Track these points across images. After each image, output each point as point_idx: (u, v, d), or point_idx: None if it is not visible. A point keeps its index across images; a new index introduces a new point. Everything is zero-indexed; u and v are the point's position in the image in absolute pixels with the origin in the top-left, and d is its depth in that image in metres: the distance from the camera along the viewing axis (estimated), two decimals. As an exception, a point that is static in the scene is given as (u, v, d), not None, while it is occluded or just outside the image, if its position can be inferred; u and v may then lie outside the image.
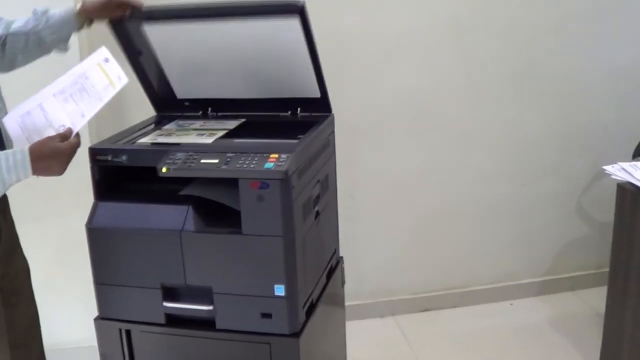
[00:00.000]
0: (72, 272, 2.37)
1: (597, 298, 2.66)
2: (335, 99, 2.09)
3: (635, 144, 2.77)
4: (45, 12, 1.83)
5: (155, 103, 2.22)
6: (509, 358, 2.72)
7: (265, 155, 1.70)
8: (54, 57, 1.90)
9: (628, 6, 2.93)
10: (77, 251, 1.99)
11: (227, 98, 2.18)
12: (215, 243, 1.75)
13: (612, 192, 2.09)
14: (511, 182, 3.06)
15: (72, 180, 2.19)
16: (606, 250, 2.18)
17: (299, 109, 2.13)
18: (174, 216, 1.77)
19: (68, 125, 1.63)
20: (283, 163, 1.67)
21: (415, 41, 2.79)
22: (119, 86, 1.75)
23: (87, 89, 1.69)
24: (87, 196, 1.84)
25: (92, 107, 1.68)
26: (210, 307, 1.79)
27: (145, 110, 2.25)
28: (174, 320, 1.84)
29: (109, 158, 1.81)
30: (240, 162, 1.69)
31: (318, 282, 2.01)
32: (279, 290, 1.73)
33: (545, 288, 3.18)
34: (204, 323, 1.81)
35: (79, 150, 1.73)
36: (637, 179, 1.99)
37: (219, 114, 2.21)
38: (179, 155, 1.75)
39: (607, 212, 2.20)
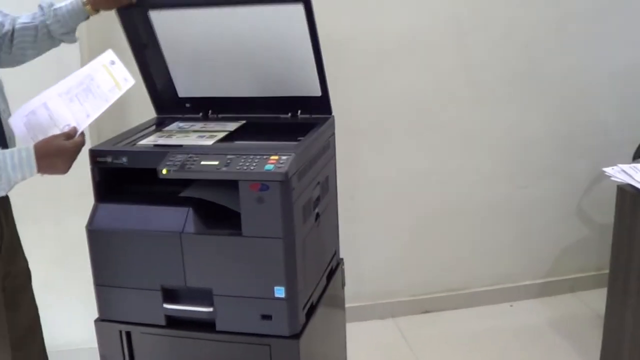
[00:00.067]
0: (72, 273, 2.37)
1: (597, 300, 2.66)
2: (335, 100, 2.09)
3: (636, 146, 2.77)
4: (51, 5, 1.85)
5: (157, 103, 2.23)
6: (509, 360, 2.72)
7: (265, 157, 1.70)
8: (54, 58, 1.91)
9: (628, 6, 2.94)
10: (77, 253, 1.99)
11: (227, 97, 2.18)
12: (216, 245, 1.75)
13: (613, 193, 2.10)
14: (511, 183, 3.06)
15: (73, 182, 2.19)
16: (606, 252, 2.18)
17: (299, 111, 2.13)
18: (174, 218, 1.77)
19: (73, 124, 1.64)
20: (283, 165, 1.67)
21: (415, 42, 2.79)
22: (125, 88, 1.75)
23: (93, 89, 1.70)
24: (87, 198, 1.85)
25: (97, 108, 1.69)
26: (211, 309, 1.79)
27: (146, 112, 2.25)
28: (174, 322, 1.84)
29: (110, 160, 1.81)
30: (241, 163, 1.69)
31: (318, 283, 2.01)
32: (279, 292, 1.73)
33: (546, 290, 3.18)
34: (204, 325, 1.81)
35: (80, 152, 1.73)
36: (637, 181, 1.99)
37: (220, 115, 2.21)
38: (179, 157, 1.75)
39: (607, 214, 2.20)
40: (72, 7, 1.85)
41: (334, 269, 2.21)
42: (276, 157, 1.69)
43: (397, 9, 2.76)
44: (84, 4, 1.85)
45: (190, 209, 1.77)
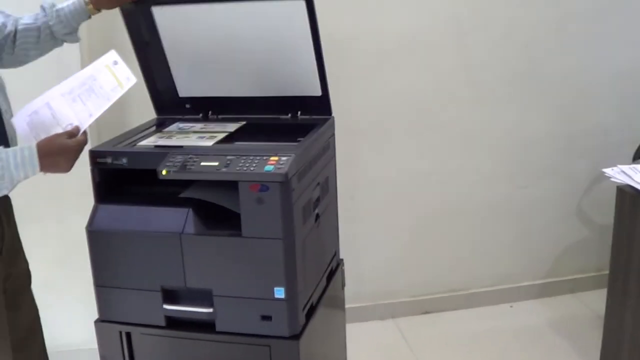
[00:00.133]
0: (72, 274, 2.37)
1: (597, 300, 2.66)
2: (335, 100, 2.09)
3: (636, 147, 2.77)
4: (53, 6, 1.86)
5: (157, 104, 2.23)
6: (509, 360, 2.72)
7: (265, 157, 1.70)
8: (55, 58, 1.92)
9: (628, 7, 2.94)
10: (77, 253, 1.99)
11: (228, 96, 2.19)
12: (215, 245, 1.75)
13: (613, 194, 2.10)
14: (511, 184, 3.06)
15: (73, 183, 2.20)
16: (606, 253, 2.17)
17: (299, 112, 2.14)
18: (174, 219, 1.77)
19: (76, 123, 1.65)
20: (283, 165, 1.67)
21: (415, 42, 2.79)
22: (127, 86, 1.76)
23: (95, 89, 1.71)
24: (87, 199, 1.85)
25: (99, 107, 1.70)
26: (210, 310, 1.79)
27: (146, 113, 2.25)
28: (174, 323, 1.84)
29: (110, 160, 1.81)
30: (240, 164, 1.69)
31: (318, 284, 2.02)
32: (279, 292, 1.73)
33: (546, 290, 3.18)
34: (204, 325, 1.82)
35: (82, 151, 1.73)
36: (636, 182, 1.99)
37: (220, 116, 2.22)
38: (179, 157, 1.75)
39: (607, 215, 2.20)
40: (74, 7, 1.86)
41: (334, 270, 2.22)
42: (276, 158, 1.70)
43: (397, 9, 2.76)
44: (86, 4, 1.86)
45: (190, 209, 1.77)
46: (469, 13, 2.82)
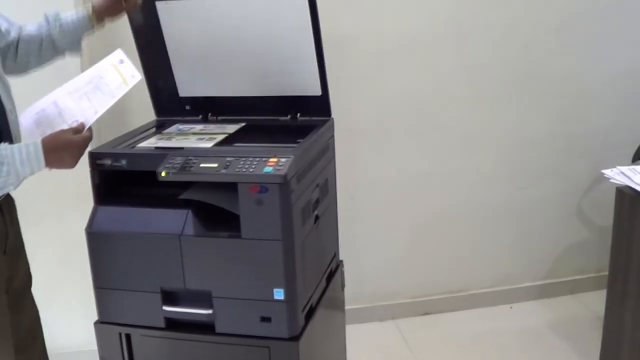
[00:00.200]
0: (72, 276, 2.38)
1: (597, 301, 2.66)
2: (335, 100, 2.09)
3: (636, 147, 2.77)
4: (57, 16, 1.87)
5: (157, 105, 2.23)
6: (509, 361, 2.72)
7: (264, 159, 1.71)
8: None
9: (628, 8, 2.94)
10: (77, 255, 2.00)
11: (228, 96, 2.19)
12: (215, 247, 1.76)
13: (612, 195, 2.09)
14: (511, 185, 3.06)
15: (72, 185, 2.20)
16: (606, 254, 2.17)
17: (298, 113, 2.14)
18: (173, 220, 1.77)
19: (81, 120, 1.67)
20: (282, 167, 1.67)
21: (415, 42, 2.79)
22: (131, 83, 1.78)
23: (101, 87, 1.73)
24: (87, 200, 1.85)
25: (104, 104, 1.71)
26: (210, 311, 1.79)
27: (146, 114, 2.25)
28: (174, 324, 1.84)
29: (109, 162, 1.82)
30: (240, 166, 1.70)
31: (318, 285, 2.02)
32: (278, 294, 1.73)
33: (545, 291, 3.18)
34: (204, 327, 1.82)
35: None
36: (636, 183, 1.99)
37: (219, 118, 2.22)
38: (179, 159, 1.75)
39: (607, 216, 2.20)
40: (77, 18, 1.87)
41: (333, 271, 2.22)
42: (275, 160, 1.70)
43: (397, 9, 2.76)
44: (90, 16, 1.87)
45: (190, 211, 1.77)
46: (469, 13, 2.82)
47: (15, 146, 1.57)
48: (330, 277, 2.17)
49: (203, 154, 1.79)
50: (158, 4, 2.04)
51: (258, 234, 1.70)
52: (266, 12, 2.00)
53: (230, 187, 1.69)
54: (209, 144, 1.91)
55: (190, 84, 2.19)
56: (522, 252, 3.15)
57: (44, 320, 1.94)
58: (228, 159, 1.73)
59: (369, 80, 2.81)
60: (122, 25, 2.09)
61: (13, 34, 1.82)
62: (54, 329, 2.02)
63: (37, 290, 1.92)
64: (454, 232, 3.06)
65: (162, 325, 1.84)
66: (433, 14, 2.79)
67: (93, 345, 1.92)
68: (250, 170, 1.68)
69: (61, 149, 1.60)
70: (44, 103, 1.66)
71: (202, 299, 1.79)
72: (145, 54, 2.11)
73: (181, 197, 1.81)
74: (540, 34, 2.89)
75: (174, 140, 1.98)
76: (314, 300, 1.95)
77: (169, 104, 2.22)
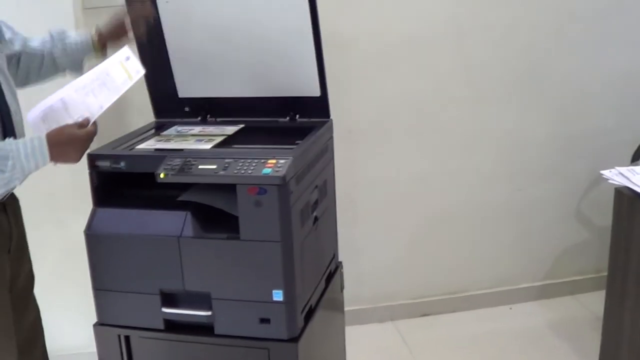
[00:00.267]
0: (71, 278, 2.37)
1: (596, 302, 2.65)
2: (335, 101, 2.09)
3: (635, 148, 2.77)
4: (61, 34, 1.90)
5: (156, 106, 2.23)
6: (509, 362, 2.72)
7: (263, 160, 1.71)
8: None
9: (628, 9, 2.94)
10: (76, 257, 1.99)
11: (227, 97, 2.19)
12: (214, 248, 1.76)
13: (612, 196, 2.09)
14: (510, 185, 3.06)
15: (71, 187, 2.20)
16: (605, 255, 2.17)
17: (297, 115, 2.14)
18: (172, 222, 1.78)
19: (86, 115, 1.67)
20: (281, 169, 1.67)
21: (415, 43, 2.79)
22: (136, 78, 1.80)
23: (107, 83, 1.74)
24: (85, 202, 1.85)
25: (109, 99, 1.73)
26: (209, 313, 1.79)
27: (145, 116, 2.25)
28: (173, 326, 1.84)
29: (108, 164, 1.82)
30: (238, 167, 1.70)
31: (317, 287, 2.02)
32: (277, 295, 1.73)
33: (545, 292, 3.18)
34: (203, 328, 1.82)
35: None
36: (634, 184, 1.99)
37: (218, 119, 2.22)
38: (177, 161, 1.76)
39: (606, 216, 2.19)
40: (80, 41, 1.90)
41: (332, 272, 2.22)
42: (274, 161, 1.70)
43: (397, 10, 2.76)
44: (92, 40, 1.90)
45: (189, 213, 1.78)
46: (469, 14, 2.82)
47: (20, 141, 1.58)
48: (330, 278, 2.17)
49: (202, 156, 1.79)
50: (159, 2, 2.04)
51: (257, 235, 1.70)
52: (266, 13, 2.00)
53: (229, 189, 1.69)
54: (208, 146, 1.91)
55: (189, 84, 2.20)
56: (522, 253, 3.15)
57: (43, 322, 1.95)
58: (227, 160, 1.73)
59: (369, 81, 2.81)
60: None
61: (17, 45, 1.85)
62: (53, 331, 2.02)
63: (36, 292, 1.93)
64: (453, 233, 3.06)
65: (162, 327, 1.84)
66: (433, 14, 2.79)
67: (92, 347, 1.92)
68: (249, 171, 1.68)
69: (65, 143, 1.61)
70: (52, 100, 1.67)
71: (201, 300, 1.79)
72: (146, 54, 2.11)
73: (180, 198, 1.81)
74: (540, 35, 2.89)
75: (172, 141, 1.99)
76: (313, 302, 1.95)
77: (168, 105, 2.22)
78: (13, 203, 1.79)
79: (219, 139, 1.98)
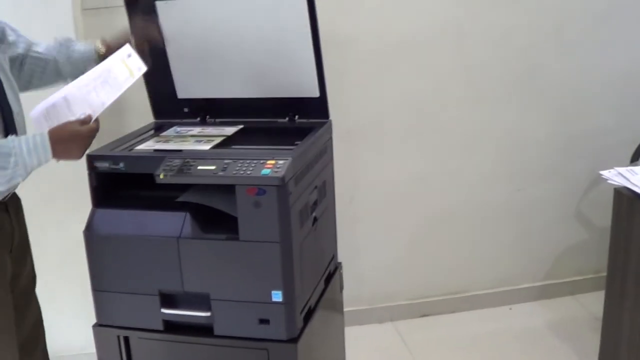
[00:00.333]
0: (70, 278, 2.38)
1: (596, 302, 2.65)
2: (335, 102, 2.09)
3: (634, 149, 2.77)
4: (67, 42, 1.91)
5: (155, 107, 2.23)
6: (509, 363, 2.72)
7: (262, 161, 1.71)
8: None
9: (627, 10, 2.94)
10: (75, 258, 2.00)
11: (226, 97, 2.19)
12: (213, 249, 1.76)
13: (611, 196, 2.10)
14: (510, 187, 3.06)
15: (70, 187, 2.20)
16: (605, 255, 2.17)
17: (296, 116, 2.14)
18: (171, 223, 1.78)
19: (89, 112, 1.68)
20: (280, 169, 1.67)
21: (414, 43, 2.79)
22: (137, 75, 1.81)
23: (110, 81, 1.75)
24: (85, 203, 1.85)
25: (111, 96, 1.73)
26: (208, 314, 1.79)
27: (144, 117, 2.25)
28: (172, 327, 1.84)
29: (107, 165, 1.82)
30: (237, 168, 1.70)
31: (316, 287, 2.02)
32: (277, 296, 1.73)
33: (545, 292, 3.18)
34: (202, 329, 1.82)
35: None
36: (633, 184, 1.99)
37: (217, 120, 2.22)
38: (177, 161, 1.76)
39: (606, 217, 2.19)
40: (85, 51, 1.91)
41: (332, 273, 2.22)
42: (273, 162, 1.70)
43: (396, 12, 2.76)
44: (97, 52, 1.91)
45: (188, 213, 1.78)
46: (469, 15, 2.82)
47: (22, 137, 1.59)
48: (329, 279, 2.17)
49: (201, 156, 1.79)
50: (158, 4, 2.04)
51: (256, 236, 1.70)
52: (265, 14, 2.00)
53: (228, 190, 1.70)
54: (207, 146, 1.91)
55: (188, 85, 2.20)
56: (522, 253, 3.15)
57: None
58: (226, 161, 1.73)
59: (369, 81, 2.81)
60: (120, 28, 2.09)
61: (20, 47, 1.85)
62: (52, 332, 2.02)
63: (36, 292, 1.92)
64: (452, 233, 3.06)
65: (161, 327, 1.84)
66: (433, 15, 2.79)
67: (92, 348, 1.92)
68: (248, 172, 1.68)
69: (67, 139, 1.62)
70: (54, 98, 1.68)
71: (200, 301, 1.79)
72: (145, 55, 2.11)
73: (179, 199, 1.81)
74: (540, 35, 2.89)
75: (172, 142, 1.99)
76: (312, 302, 1.95)
77: (167, 106, 2.22)
78: (15, 202, 1.79)
79: (218, 140, 1.98)
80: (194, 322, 1.82)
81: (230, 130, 2.08)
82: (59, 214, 2.47)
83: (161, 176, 1.73)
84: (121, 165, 1.81)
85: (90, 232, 1.82)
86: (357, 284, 2.85)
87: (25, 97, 1.79)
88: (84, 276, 1.86)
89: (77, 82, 1.71)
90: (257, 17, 2.02)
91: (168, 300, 1.82)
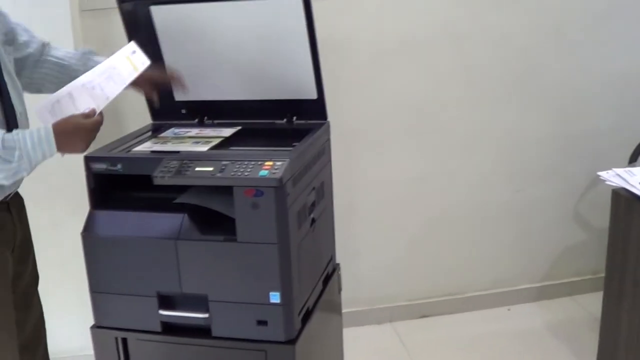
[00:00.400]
0: (68, 280, 2.37)
1: (594, 303, 2.65)
2: (334, 103, 2.09)
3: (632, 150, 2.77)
4: (88, 54, 1.91)
5: (153, 109, 2.23)
6: (507, 364, 2.72)
7: (260, 162, 1.71)
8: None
9: (625, 12, 2.94)
10: (73, 259, 1.99)
11: (223, 100, 2.19)
12: (211, 251, 1.76)
13: (609, 197, 2.10)
14: (508, 188, 3.06)
15: (68, 189, 2.20)
16: (604, 256, 2.17)
17: (294, 117, 2.14)
18: (169, 224, 1.78)
19: (92, 106, 1.68)
20: (277, 170, 1.67)
21: (414, 44, 2.79)
22: (141, 69, 1.82)
23: (114, 77, 1.76)
24: (82, 205, 1.85)
25: (115, 90, 1.75)
26: (206, 315, 1.79)
27: (142, 118, 2.25)
28: (170, 328, 1.84)
29: (105, 166, 1.82)
30: (235, 169, 1.70)
31: (314, 289, 2.02)
32: (275, 297, 1.73)
33: (543, 293, 3.18)
34: (200, 331, 1.82)
35: (75, 159, 1.74)
36: (631, 185, 1.99)
37: (215, 121, 2.22)
38: (174, 163, 1.76)
39: (604, 218, 2.19)
40: None
41: (330, 274, 2.22)
42: (271, 163, 1.70)
43: (396, 11, 2.76)
44: None
45: (186, 215, 1.78)
46: (468, 16, 2.82)
47: (26, 131, 1.59)
48: (327, 280, 2.17)
49: (199, 158, 1.79)
50: (152, 9, 2.04)
51: (254, 237, 1.70)
52: (261, 16, 2.00)
53: (225, 191, 1.69)
54: (205, 148, 1.91)
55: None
56: (520, 254, 3.15)
57: (41, 325, 1.95)
58: (224, 162, 1.73)
59: (369, 82, 2.81)
60: (117, 31, 2.09)
61: (32, 48, 1.85)
62: (50, 333, 2.02)
63: (34, 294, 1.92)
64: (451, 235, 3.06)
65: (159, 329, 1.84)
66: (432, 16, 2.79)
67: (90, 350, 1.92)
68: (246, 173, 1.68)
69: (71, 132, 1.62)
70: (59, 94, 1.70)
71: (198, 302, 1.79)
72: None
73: (177, 201, 1.81)
74: (539, 35, 2.89)
75: (169, 144, 1.99)
76: (310, 304, 1.95)
77: (165, 107, 2.21)
78: (18, 202, 1.80)
79: (215, 141, 1.98)
80: (192, 324, 1.82)
81: (228, 132, 2.08)
82: (56, 216, 2.47)
83: (159, 178, 1.73)
84: (119, 166, 1.81)
85: (88, 234, 1.82)
86: (355, 285, 2.85)
87: (28, 99, 1.79)
88: (82, 278, 1.86)
89: (82, 79, 1.72)
90: (253, 20, 2.01)
91: (166, 301, 1.82)
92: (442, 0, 2.78)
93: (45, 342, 1.97)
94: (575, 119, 3.02)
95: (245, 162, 1.71)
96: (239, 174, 1.68)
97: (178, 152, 1.87)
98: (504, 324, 3.02)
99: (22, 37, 1.82)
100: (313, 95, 2.07)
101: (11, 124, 1.67)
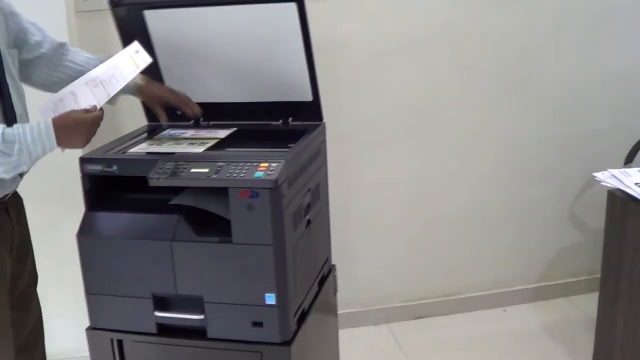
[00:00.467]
0: (63, 282, 2.37)
1: (590, 304, 2.66)
2: (331, 104, 2.09)
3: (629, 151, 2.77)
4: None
5: (148, 110, 2.23)
6: (503, 364, 2.72)
7: (255, 164, 1.71)
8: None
9: (625, 12, 2.94)
10: (68, 261, 1.99)
11: (218, 102, 2.19)
12: (206, 252, 1.76)
13: (605, 198, 2.10)
14: (505, 189, 3.06)
15: (63, 190, 2.19)
16: (599, 257, 2.18)
17: (290, 118, 2.14)
18: (164, 226, 1.77)
19: (94, 103, 1.70)
20: (273, 172, 1.67)
21: (413, 45, 2.79)
22: (142, 67, 1.83)
23: (116, 75, 1.77)
24: (78, 206, 1.84)
25: (116, 87, 1.76)
26: (202, 316, 1.79)
27: (137, 119, 2.25)
28: (166, 330, 1.84)
29: (100, 168, 1.81)
30: (230, 171, 1.70)
31: (310, 290, 2.02)
32: (270, 298, 1.73)
33: (539, 294, 3.18)
34: (196, 332, 1.82)
35: (71, 160, 1.74)
36: (627, 186, 1.99)
37: (211, 123, 2.22)
38: (170, 164, 1.75)
39: (600, 219, 2.20)
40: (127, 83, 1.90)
41: (325, 275, 2.22)
42: (266, 164, 1.70)
43: (395, 12, 2.76)
44: (137, 86, 1.95)
45: (181, 216, 1.78)
46: (467, 16, 2.82)
47: (27, 125, 1.59)
48: (323, 281, 2.17)
49: (194, 159, 1.79)
50: (146, 13, 2.04)
51: (249, 238, 1.70)
52: (256, 18, 2.00)
53: (221, 192, 1.69)
54: (200, 149, 1.91)
55: (181, 90, 2.19)
56: (516, 255, 3.15)
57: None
58: (219, 164, 1.73)
59: (369, 82, 2.81)
60: (114, 33, 2.09)
61: (45, 47, 1.85)
62: (47, 335, 2.02)
63: (29, 296, 1.92)
64: (447, 236, 3.06)
65: (154, 330, 1.84)
66: (432, 16, 2.79)
67: (85, 352, 1.92)
68: (241, 175, 1.68)
69: (72, 127, 1.62)
70: (62, 93, 1.72)
71: (193, 304, 1.78)
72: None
73: (172, 202, 1.81)
74: (538, 36, 2.89)
75: (165, 145, 1.99)
76: (306, 305, 1.95)
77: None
78: (16, 203, 1.80)
79: (211, 143, 1.98)
80: (187, 325, 1.82)
81: (223, 133, 2.08)
82: (52, 217, 2.46)
83: (154, 179, 1.72)
84: (114, 168, 1.80)
85: (83, 235, 1.82)
86: (351, 286, 2.84)
87: (30, 100, 1.80)
88: (77, 279, 1.85)
89: (85, 78, 1.74)
90: (248, 23, 2.01)
91: (161, 303, 1.82)
92: (442, 0, 2.78)
93: (43, 344, 1.97)
94: (575, 119, 3.02)
95: (241, 164, 1.71)
96: (235, 175, 1.68)
97: (173, 153, 1.87)
98: (499, 325, 3.02)
99: (35, 37, 1.83)
100: (308, 97, 2.07)
101: (11, 125, 1.66)
